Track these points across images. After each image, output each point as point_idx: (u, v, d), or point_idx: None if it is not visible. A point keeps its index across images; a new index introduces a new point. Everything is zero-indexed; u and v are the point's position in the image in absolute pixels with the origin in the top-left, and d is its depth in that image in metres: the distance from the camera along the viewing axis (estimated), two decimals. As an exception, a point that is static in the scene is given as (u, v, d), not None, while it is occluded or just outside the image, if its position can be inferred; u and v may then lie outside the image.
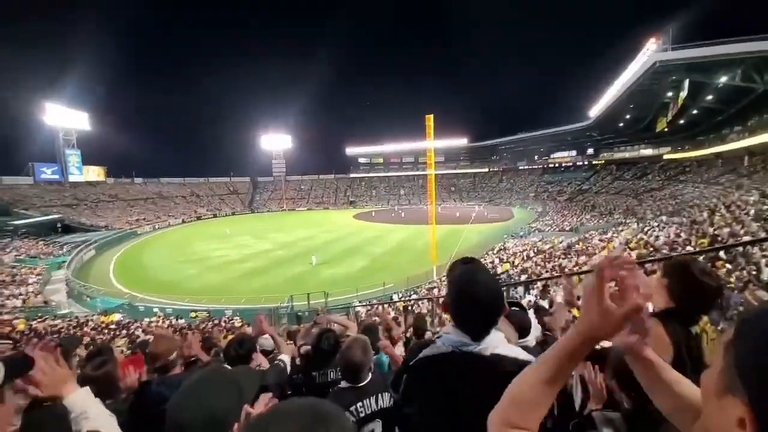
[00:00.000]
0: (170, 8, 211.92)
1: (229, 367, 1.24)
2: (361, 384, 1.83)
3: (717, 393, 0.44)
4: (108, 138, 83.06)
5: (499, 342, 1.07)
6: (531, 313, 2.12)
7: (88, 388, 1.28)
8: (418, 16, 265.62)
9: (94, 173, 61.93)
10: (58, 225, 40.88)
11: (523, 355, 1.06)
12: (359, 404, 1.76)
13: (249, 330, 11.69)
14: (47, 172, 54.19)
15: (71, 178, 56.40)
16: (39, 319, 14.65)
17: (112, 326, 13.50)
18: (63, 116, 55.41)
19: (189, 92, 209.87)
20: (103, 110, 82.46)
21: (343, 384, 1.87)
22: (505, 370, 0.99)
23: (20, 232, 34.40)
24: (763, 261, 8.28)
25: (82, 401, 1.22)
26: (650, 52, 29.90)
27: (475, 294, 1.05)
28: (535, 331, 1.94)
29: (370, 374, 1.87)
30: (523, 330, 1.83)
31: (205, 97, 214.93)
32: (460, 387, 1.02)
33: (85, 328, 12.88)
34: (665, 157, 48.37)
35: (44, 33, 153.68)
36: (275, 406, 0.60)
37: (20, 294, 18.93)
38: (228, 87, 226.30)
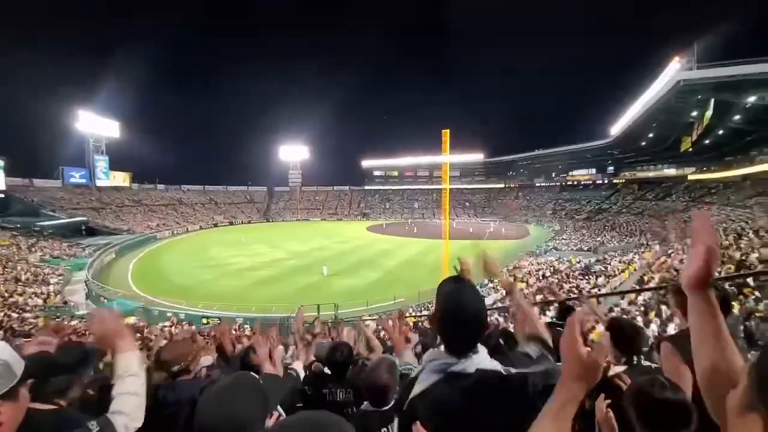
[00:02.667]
0: (198, 24, 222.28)
1: (256, 375, 1.23)
2: (386, 408, 1.75)
3: (739, 411, 0.48)
4: (134, 145, 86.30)
5: (482, 358, 1.08)
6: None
7: (139, 354, 1.33)
8: (437, 31, 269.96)
9: (120, 179, 64.34)
10: (83, 227, 42.40)
11: (499, 367, 1.06)
12: (383, 429, 1.68)
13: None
14: (76, 176, 56.62)
15: (98, 183, 58.75)
16: (57, 319, 15.04)
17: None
18: (94, 124, 58.17)
19: (212, 103, 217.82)
20: (131, 118, 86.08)
21: (367, 406, 1.80)
22: (484, 384, 1.01)
23: (46, 233, 35.79)
24: (798, 290, 7.81)
25: (127, 362, 1.27)
26: (674, 70, 29.34)
27: (459, 312, 1.08)
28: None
29: (395, 397, 1.78)
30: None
31: (226, 108, 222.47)
32: (458, 414, 1.02)
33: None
34: (690, 177, 46.86)
35: (80, 45, 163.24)
36: (280, 422, 0.62)
37: (42, 293, 19.54)
38: (249, 98, 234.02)
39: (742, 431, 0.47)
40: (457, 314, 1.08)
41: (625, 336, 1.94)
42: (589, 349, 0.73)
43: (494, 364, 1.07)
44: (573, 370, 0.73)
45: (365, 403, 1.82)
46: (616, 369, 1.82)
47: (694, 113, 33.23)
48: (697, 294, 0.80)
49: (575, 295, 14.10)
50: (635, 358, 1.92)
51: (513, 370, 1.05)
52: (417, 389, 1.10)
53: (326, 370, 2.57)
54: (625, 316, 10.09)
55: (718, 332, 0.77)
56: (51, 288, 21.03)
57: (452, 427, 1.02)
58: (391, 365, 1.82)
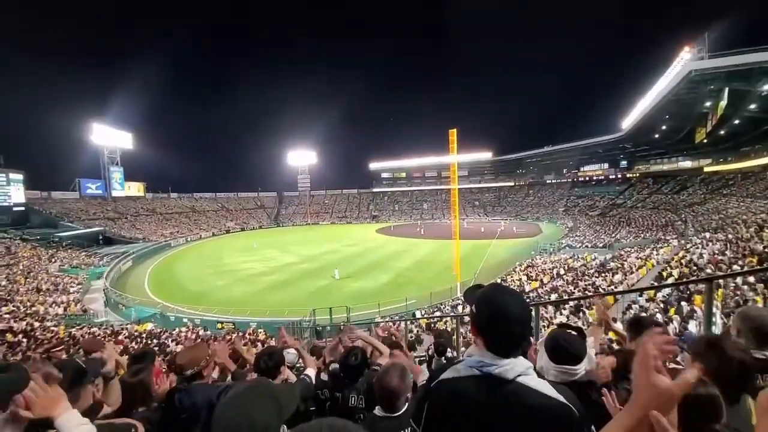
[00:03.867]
0: (207, 33, 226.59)
1: (272, 382, 1.25)
2: (398, 413, 1.72)
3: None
4: (147, 155, 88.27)
5: (524, 368, 1.00)
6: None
7: (76, 411, 1.27)
8: (442, 31, 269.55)
9: (135, 189, 65.85)
10: (100, 237, 43.49)
11: (552, 393, 0.98)
12: None
13: (273, 342, 11.75)
14: (92, 188, 58.14)
15: (114, 193, 60.25)
16: (77, 327, 15.42)
17: (144, 335, 13.99)
18: (108, 136, 59.73)
19: (221, 111, 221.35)
20: (143, 130, 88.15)
21: (378, 412, 1.78)
22: (527, 402, 0.94)
23: (65, 244, 36.80)
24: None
25: (69, 425, 1.21)
26: (684, 60, 28.72)
27: (504, 317, 1.01)
28: (588, 361, 1.71)
29: (407, 403, 1.77)
30: (568, 356, 1.60)
31: (236, 116, 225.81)
32: (481, 415, 0.98)
33: (120, 337, 13.42)
34: (706, 169, 45.69)
35: (92, 59, 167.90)
36: (298, 427, 0.62)
37: (62, 302, 20.06)
38: (257, 105, 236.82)
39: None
40: (503, 318, 1.02)
41: (644, 332, 1.89)
42: (666, 378, 0.66)
43: (539, 383, 1.00)
44: (644, 397, 0.67)
45: (377, 408, 1.79)
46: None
47: (708, 103, 32.45)
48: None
49: (591, 293, 13.88)
50: None
51: (560, 397, 0.96)
52: (449, 374, 1.09)
53: (341, 374, 2.59)
54: (644, 314, 9.86)
55: None
56: (71, 297, 21.57)
57: (473, 424, 0.99)
58: (402, 371, 1.80)
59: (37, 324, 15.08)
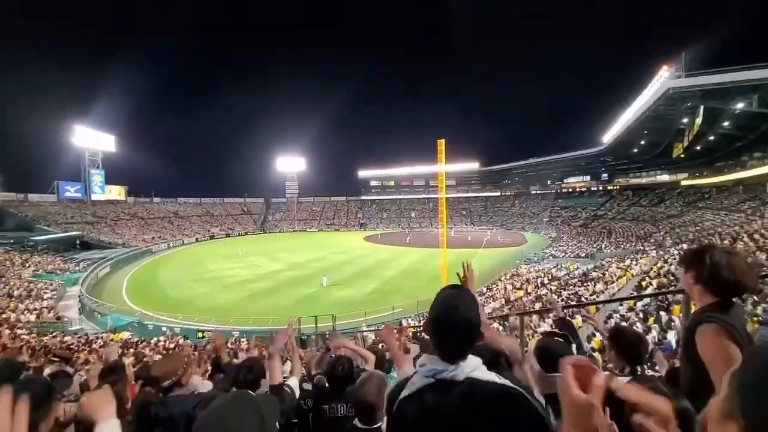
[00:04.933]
0: (194, 37, 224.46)
1: (253, 394, 1.22)
2: (376, 425, 1.70)
3: (719, 418, 0.48)
4: (130, 159, 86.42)
5: (474, 366, 1.05)
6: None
7: (118, 422, 1.33)
8: (431, 42, 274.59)
9: (116, 192, 64.15)
10: (77, 241, 42.02)
11: (496, 379, 1.03)
12: None
13: (257, 353, 11.49)
14: (71, 191, 56.36)
15: (93, 197, 58.52)
16: (50, 335, 14.77)
17: (120, 344, 13.48)
18: (90, 138, 58.24)
19: (208, 115, 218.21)
20: (127, 132, 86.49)
21: (358, 424, 1.74)
22: (478, 394, 0.98)
23: (40, 248, 35.41)
24: (795, 293, 7.86)
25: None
26: (663, 78, 29.96)
27: (447, 319, 1.07)
28: None
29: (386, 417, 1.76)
30: (558, 364, 1.65)
31: (222, 120, 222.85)
32: (443, 419, 1.00)
33: (94, 345, 12.90)
34: (683, 183, 47.45)
35: (75, 59, 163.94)
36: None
37: (35, 309, 19.22)
38: (245, 110, 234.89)
39: None
40: (447, 319, 1.07)
41: (627, 345, 1.93)
42: (580, 393, 0.68)
43: (489, 375, 1.04)
44: (568, 414, 0.70)
45: (356, 419, 1.76)
46: (620, 380, 1.80)
47: (685, 120, 33.83)
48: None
49: (574, 303, 14.10)
50: (638, 368, 1.91)
51: (508, 383, 1.01)
52: (405, 392, 1.10)
53: (327, 385, 2.53)
54: (624, 323, 10.06)
55: None
56: (44, 303, 20.69)
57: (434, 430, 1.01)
58: (381, 381, 1.77)
59: (7, 332, 14.37)
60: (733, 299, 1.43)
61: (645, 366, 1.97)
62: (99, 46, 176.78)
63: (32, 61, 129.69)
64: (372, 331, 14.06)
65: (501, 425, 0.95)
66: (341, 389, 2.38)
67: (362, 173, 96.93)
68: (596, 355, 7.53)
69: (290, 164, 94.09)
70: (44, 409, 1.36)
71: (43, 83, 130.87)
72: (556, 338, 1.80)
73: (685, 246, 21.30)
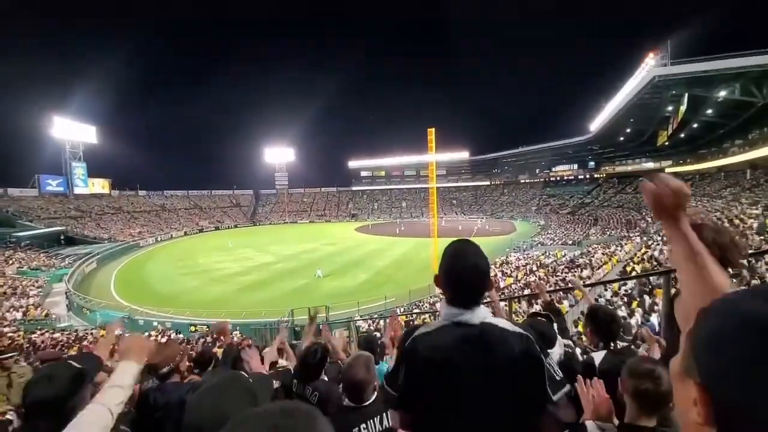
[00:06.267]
0: (177, 24, 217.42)
1: (244, 374, 1.26)
2: (365, 404, 1.76)
3: (679, 376, 0.49)
4: (114, 151, 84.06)
5: (486, 313, 1.14)
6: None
7: (134, 366, 1.41)
8: (420, 32, 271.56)
9: (99, 185, 62.56)
10: (62, 237, 41.04)
11: (510, 327, 1.12)
12: (362, 425, 1.69)
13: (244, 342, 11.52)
14: (52, 184, 54.75)
15: (76, 191, 56.97)
16: (39, 332, 14.55)
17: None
18: (70, 129, 56.34)
19: (193, 105, 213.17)
20: (109, 123, 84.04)
21: (346, 402, 1.80)
22: (493, 338, 1.07)
23: (23, 244, 34.53)
24: (769, 275, 8.20)
25: (126, 371, 1.37)
26: (649, 66, 30.28)
27: (461, 266, 1.15)
28: (559, 347, 1.86)
29: (374, 393, 1.80)
30: (544, 340, 1.74)
31: (209, 111, 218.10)
32: (456, 357, 1.08)
33: (85, 342, 12.77)
34: (667, 170, 48.42)
35: (53, 48, 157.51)
36: (248, 411, 0.61)
37: (21, 306, 18.87)
38: (232, 100, 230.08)
39: (681, 397, 0.48)
40: (459, 268, 1.15)
41: (601, 323, 2.06)
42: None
43: (502, 321, 1.14)
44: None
45: (345, 399, 1.82)
46: (596, 355, 1.91)
47: (670, 108, 34.40)
48: (665, 222, 0.83)
49: (562, 287, 14.45)
50: (611, 344, 2.03)
51: (519, 329, 1.11)
52: (421, 330, 1.19)
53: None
54: (603, 304, 10.38)
55: (690, 255, 0.77)
56: (30, 301, 20.31)
57: (449, 369, 1.08)
58: (368, 359, 1.83)
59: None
60: None
61: (617, 343, 2.11)
62: (78, 34, 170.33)
63: (8, 51, 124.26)
64: (365, 320, 14.22)
65: (512, 363, 1.05)
66: (312, 378, 2.29)
67: (352, 163, 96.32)
68: (583, 338, 7.79)
69: (279, 155, 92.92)
70: (77, 396, 1.36)
71: (21, 74, 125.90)
72: (540, 318, 1.91)
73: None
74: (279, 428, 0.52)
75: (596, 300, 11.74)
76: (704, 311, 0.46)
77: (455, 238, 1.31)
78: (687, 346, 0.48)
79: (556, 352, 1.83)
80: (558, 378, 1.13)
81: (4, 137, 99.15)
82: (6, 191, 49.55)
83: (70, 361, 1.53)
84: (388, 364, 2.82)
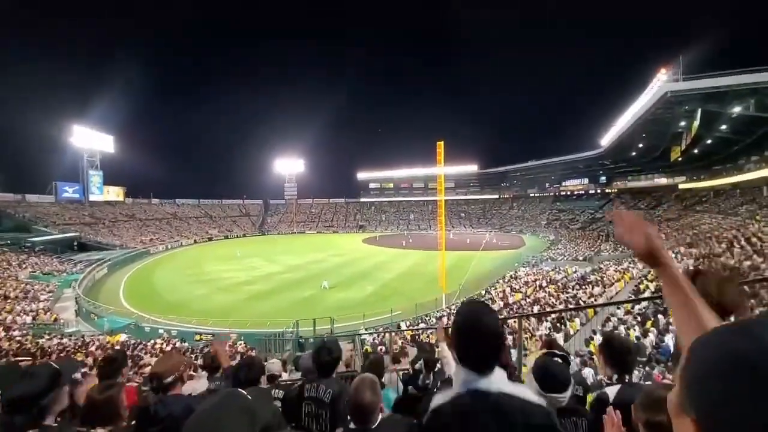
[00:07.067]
0: (193, 37, 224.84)
1: (243, 392, 1.24)
2: (372, 427, 1.70)
3: (676, 411, 0.49)
4: (129, 159, 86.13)
5: (502, 377, 1.11)
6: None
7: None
8: (431, 45, 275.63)
9: (114, 193, 63.95)
10: (75, 243, 41.84)
11: (528, 395, 1.08)
12: None
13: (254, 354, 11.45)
14: (69, 191, 56.19)
15: (91, 198, 58.32)
16: (47, 337, 14.69)
17: (117, 347, 13.42)
18: (89, 139, 58.09)
19: (207, 116, 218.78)
20: (126, 132, 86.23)
21: (352, 426, 1.74)
22: (512, 407, 1.03)
23: (37, 249, 35.24)
24: (792, 297, 7.86)
25: None
26: (661, 82, 30.06)
27: (475, 331, 1.12)
28: (571, 390, 1.77)
29: (380, 415, 1.74)
30: (558, 384, 1.69)
31: (222, 121, 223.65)
32: (474, 427, 1.04)
33: (91, 348, 12.83)
34: (680, 186, 47.54)
35: (73, 57, 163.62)
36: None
37: (31, 311, 19.11)
38: (244, 112, 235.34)
39: (680, 431, 0.48)
40: (475, 331, 1.12)
41: (615, 353, 1.96)
42: None
43: (516, 389, 1.09)
44: None
45: (350, 423, 1.75)
46: (610, 389, 1.81)
47: (682, 123, 33.95)
48: (654, 268, 0.86)
49: (572, 306, 14.11)
50: (627, 377, 1.92)
51: (535, 399, 1.08)
52: (440, 399, 1.14)
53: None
54: (617, 332, 10.07)
55: (684, 302, 0.79)
56: (41, 305, 20.58)
57: None
58: (372, 382, 1.77)
59: (2, 333, 14.30)
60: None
61: (633, 375, 1.99)
62: (99, 45, 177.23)
63: (31, 60, 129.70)
64: (370, 334, 14.02)
65: None
66: (327, 374, 2.37)
67: (361, 175, 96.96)
68: (594, 359, 7.52)
69: (289, 166, 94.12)
70: (52, 394, 1.44)
71: (42, 83, 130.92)
72: (556, 358, 1.81)
73: (682, 249, 21.34)
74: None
75: (608, 319, 11.41)
76: (692, 349, 0.47)
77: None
78: (679, 383, 0.48)
79: (569, 395, 1.76)
80: None
81: (24, 145, 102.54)
82: (24, 197, 50.98)
83: (50, 362, 1.59)
84: (448, 367, 2.78)
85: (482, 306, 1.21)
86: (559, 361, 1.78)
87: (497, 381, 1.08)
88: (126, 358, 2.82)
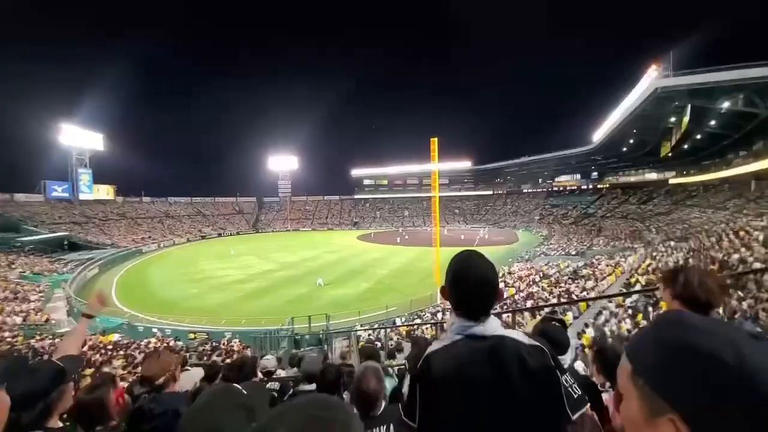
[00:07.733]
0: (183, 34, 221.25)
1: (238, 387, 1.24)
2: (375, 414, 1.74)
3: (646, 421, 0.45)
4: (119, 158, 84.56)
5: (497, 325, 1.10)
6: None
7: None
8: (425, 41, 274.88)
9: (104, 192, 63.06)
10: (65, 242, 41.19)
11: (525, 339, 1.08)
12: None
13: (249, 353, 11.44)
14: (58, 190, 55.27)
15: (81, 196, 57.43)
16: (38, 337, 14.51)
17: (110, 347, 13.31)
18: (78, 137, 57.07)
19: (199, 113, 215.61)
20: (115, 130, 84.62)
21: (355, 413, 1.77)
22: (508, 352, 1.03)
23: (27, 249, 34.69)
24: (777, 289, 8.06)
25: None
26: (651, 78, 30.35)
27: (470, 277, 1.12)
28: (571, 352, 1.80)
29: (384, 403, 1.79)
30: (558, 346, 1.68)
31: (214, 118, 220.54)
32: (471, 373, 1.03)
33: (83, 348, 12.70)
34: (671, 181, 48.24)
35: (62, 55, 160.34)
36: (282, 405, 0.61)
37: (21, 311, 18.84)
38: (236, 108, 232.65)
39: None
40: (469, 277, 1.12)
41: (608, 363, 2.00)
42: None
43: (514, 332, 1.10)
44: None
45: (354, 410, 1.79)
46: (603, 396, 1.85)
47: (673, 119, 34.37)
48: None
49: (565, 300, 14.29)
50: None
51: (532, 341, 1.08)
52: (434, 346, 1.13)
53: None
54: (614, 319, 10.22)
55: None
56: (31, 305, 20.29)
57: (464, 386, 1.03)
58: (376, 370, 1.81)
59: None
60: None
61: None
62: (87, 42, 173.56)
63: (18, 58, 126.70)
64: (365, 330, 14.08)
65: (527, 378, 1.00)
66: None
67: (355, 172, 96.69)
68: (586, 351, 7.65)
69: (282, 163, 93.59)
70: (57, 392, 1.45)
71: (30, 81, 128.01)
72: (554, 323, 1.84)
73: (672, 243, 21.71)
74: (320, 419, 0.53)
75: (600, 312, 11.57)
76: (634, 352, 0.48)
77: (460, 249, 1.27)
78: (639, 390, 0.46)
79: (569, 357, 1.79)
80: (576, 396, 1.07)
81: (12, 144, 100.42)
82: (12, 197, 50.08)
83: (54, 360, 1.61)
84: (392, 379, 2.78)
85: (476, 253, 1.20)
86: (557, 324, 1.81)
87: (492, 327, 1.08)
88: (256, 363, 2.75)
